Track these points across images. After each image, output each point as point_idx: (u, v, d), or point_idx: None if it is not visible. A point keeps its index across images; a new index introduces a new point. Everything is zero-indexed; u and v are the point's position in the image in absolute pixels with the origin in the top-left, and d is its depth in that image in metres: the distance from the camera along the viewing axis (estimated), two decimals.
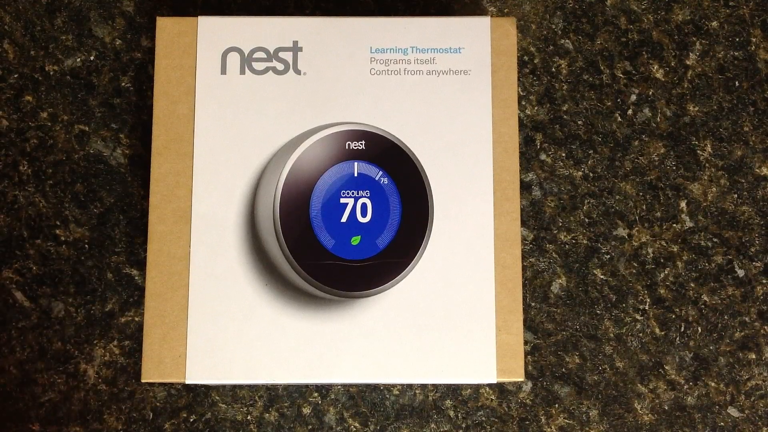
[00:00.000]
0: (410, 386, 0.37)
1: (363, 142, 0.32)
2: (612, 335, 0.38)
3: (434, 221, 0.32)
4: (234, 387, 0.37)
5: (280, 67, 0.33)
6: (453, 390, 0.37)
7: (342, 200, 0.32)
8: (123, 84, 0.39)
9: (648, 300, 0.38)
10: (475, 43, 0.33)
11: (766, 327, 0.38)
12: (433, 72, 0.33)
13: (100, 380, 0.37)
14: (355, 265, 0.32)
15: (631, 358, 0.38)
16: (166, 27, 0.33)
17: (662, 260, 0.38)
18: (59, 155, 0.38)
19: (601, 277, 0.38)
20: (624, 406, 0.37)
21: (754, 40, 0.40)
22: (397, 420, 0.37)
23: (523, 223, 0.38)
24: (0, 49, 0.39)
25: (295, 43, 0.33)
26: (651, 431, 0.37)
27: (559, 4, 0.40)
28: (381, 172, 0.32)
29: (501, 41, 0.33)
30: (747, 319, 0.38)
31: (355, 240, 0.32)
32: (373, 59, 0.33)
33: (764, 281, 0.38)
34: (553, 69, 0.39)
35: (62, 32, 0.39)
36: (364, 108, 0.32)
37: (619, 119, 0.39)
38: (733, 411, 0.38)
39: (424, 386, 0.37)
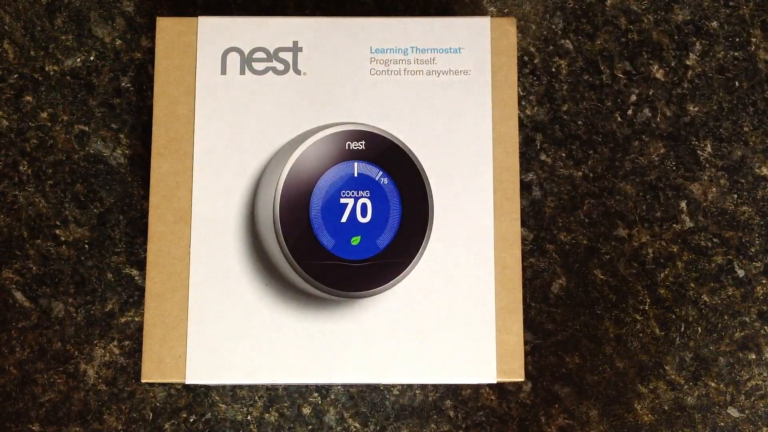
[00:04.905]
0: (410, 386, 0.37)
1: (363, 142, 0.32)
2: (612, 335, 0.38)
3: (434, 221, 0.32)
4: (234, 387, 0.37)
5: (280, 67, 0.33)
6: (453, 390, 0.37)
7: (342, 200, 0.32)
8: (123, 84, 0.39)
9: (648, 300, 0.38)
10: (475, 43, 0.33)
11: (766, 327, 0.38)
12: (433, 72, 0.33)
13: (100, 380, 0.37)
14: (355, 265, 0.32)
15: (631, 358, 0.38)
16: (166, 27, 0.33)
17: (662, 260, 0.38)
18: (59, 155, 0.38)
19: (601, 277, 0.38)
20: (624, 406, 0.37)
21: (754, 40, 0.40)
22: (397, 420, 0.37)
23: (523, 223, 0.38)
24: (0, 49, 0.39)
25: (295, 43, 0.33)
26: (651, 431, 0.37)
27: (559, 4, 0.40)
28: (381, 172, 0.32)
29: (501, 41, 0.33)
30: (747, 319, 0.38)
31: (355, 240, 0.32)
32: (373, 59, 0.33)
33: (764, 281, 0.38)
34: (553, 69, 0.39)
35: (62, 32, 0.39)
36: (364, 108, 0.32)
37: (619, 119, 0.39)
38: (733, 411, 0.38)
39: (424, 386, 0.37)
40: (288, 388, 0.37)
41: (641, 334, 0.38)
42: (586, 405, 0.37)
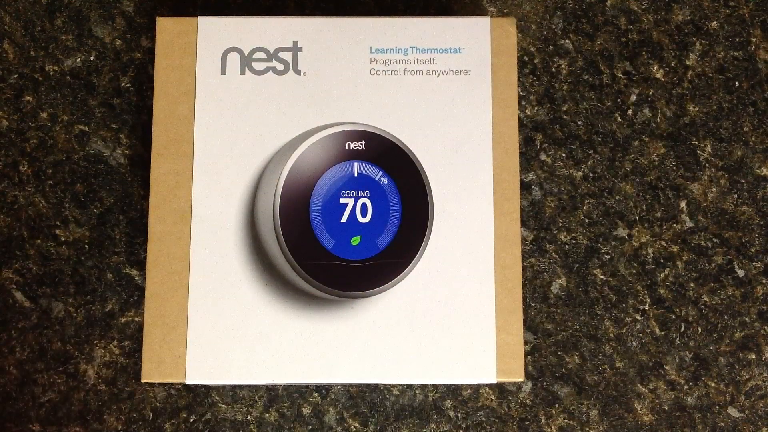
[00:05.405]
0: (410, 386, 0.37)
1: (363, 142, 0.32)
2: (612, 335, 0.38)
3: (434, 221, 0.32)
4: (234, 387, 0.37)
5: (280, 67, 0.33)
6: (453, 390, 0.37)
7: (342, 200, 0.32)
8: (123, 84, 0.39)
9: (648, 300, 0.38)
10: (475, 43, 0.33)
11: (766, 327, 0.38)
12: (433, 72, 0.33)
13: (100, 380, 0.37)
14: (355, 265, 0.32)
15: (631, 358, 0.38)
16: (166, 27, 0.33)
17: (662, 260, 0.38)
18: (59, 155, 0.38)
19: (601, 277, 0.38)
20: (624, 406, 0.37)
21: (754, 40, 0.40)
22: (397, 420, 0.37)
23: (523, 223, 0.38)
24: (0, 49, 0.39)
25: (295, 43, 0.33)
26: (651, 431, 0.37)
27: (559, 4, 0.40)
28: (381, 172, 0.32)
29: (501, 41, 0.33)
30: (747, 319, 0.38)
31: (355, 240, 0.32)
32: (373, 59, 0.33)
33: (764, 281, 0.38)
34: (553, 69, 0.39)
35: (62, 32, 0.39)
36: (364, 108, 0.32)
37: (619, 119, 0.39)
38: (733, 411, 0.38)
39: (424, 386, 0.37)
40: (288, 388, 0.37)
41: (641, 334, 0.38)
42: (586, 405, 0.37)
